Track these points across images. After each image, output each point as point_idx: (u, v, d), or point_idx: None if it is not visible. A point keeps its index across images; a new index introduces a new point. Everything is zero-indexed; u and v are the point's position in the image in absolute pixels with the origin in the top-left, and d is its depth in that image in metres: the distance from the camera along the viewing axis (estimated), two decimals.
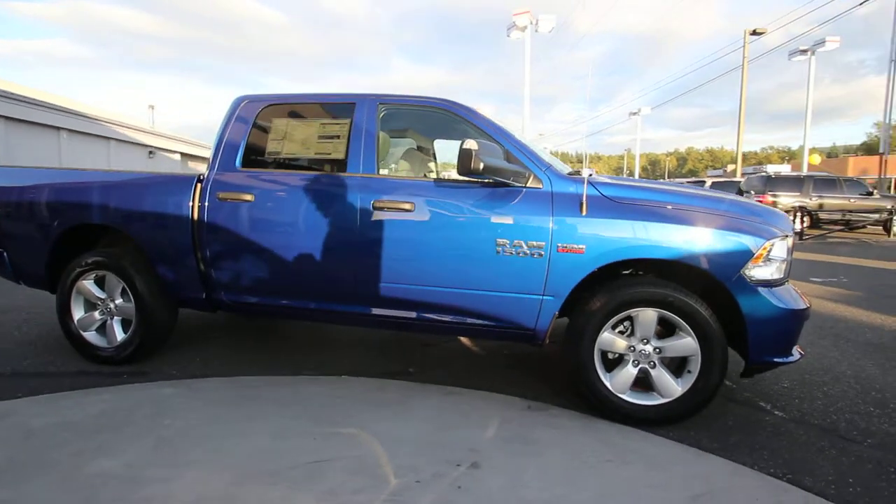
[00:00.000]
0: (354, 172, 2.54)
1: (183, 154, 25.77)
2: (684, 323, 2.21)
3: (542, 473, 1.90)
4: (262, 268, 2.65)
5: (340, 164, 2.60)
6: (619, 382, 2.31)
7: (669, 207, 2.28)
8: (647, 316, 2.25)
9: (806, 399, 2.65)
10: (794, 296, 2.31)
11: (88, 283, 2.91)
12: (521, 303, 2.37)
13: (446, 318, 2.49)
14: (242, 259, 2.66)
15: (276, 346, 3.51)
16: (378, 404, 2.48)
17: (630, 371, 2.31)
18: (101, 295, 2.92)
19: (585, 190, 2.29)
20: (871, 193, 12.47)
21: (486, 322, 2.45)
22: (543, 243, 2.30)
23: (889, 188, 16.25)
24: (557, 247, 2.28)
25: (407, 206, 2.43)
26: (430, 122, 3.13)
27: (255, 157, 2.74)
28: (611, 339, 2.31)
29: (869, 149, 65.93)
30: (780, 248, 2.27)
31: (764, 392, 2.73)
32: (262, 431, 2.16)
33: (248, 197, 2.61)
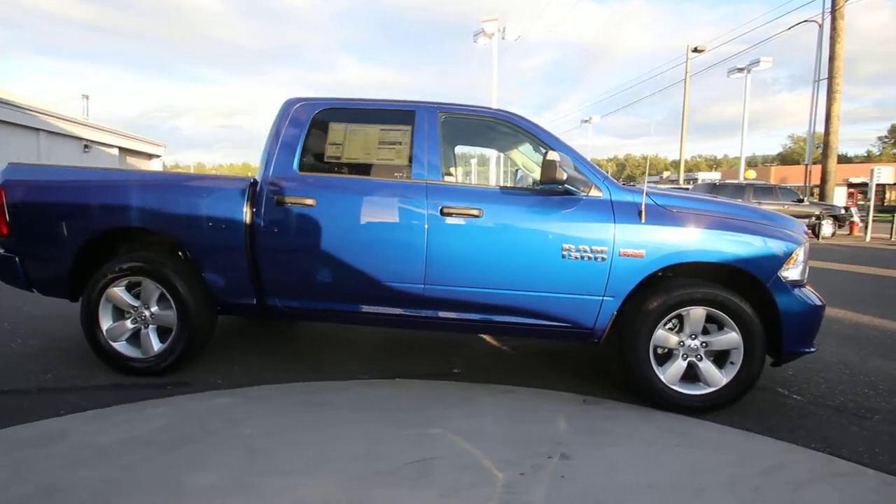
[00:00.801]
0: (419, 179, 2.60)
1: (121, 149, 23.91)
2: (730, 319, 2.47)
3: (628, 460, 2.07)
4: (324, 273, 2.63)
5: (404, 170, 2.65)
6: (670, 375, 2.54)
7: (716, 216, 2.54)
8: (697, 314, 2.49)
9: (812, 384, 3.02)
10: (813, 294, 2.64)
11: (120, 290, 2.75)
12: (584, 303, 2.54)
13: (511, 320, 2.61)
14: (302, 264, 2.64)
15: (306, 350, 3.46)
16: (446, 405, 2.55)
17: (680, 364, 2.54)
18: (134, 302, 2.77)
19: (645, 199, 2.50)
20: (801, 200, 13.96)
21: (549, 322, 2.59)
22: (606, 248, 2.48)
23: (808, 195, 18.18)
24: (619, 251, 2.47)
25: (475, 212, 2.52)
26: (485, 132, 3.22)
27: (311, 160, 2.72)
28: (664, 335, 2.52)
29: (784, 159, 73.07)
30: (804, 253, 2.59)
31: (777, 380, 3.07)
32: (350, 436, 2.17)
33: (310, 201, 2.59)
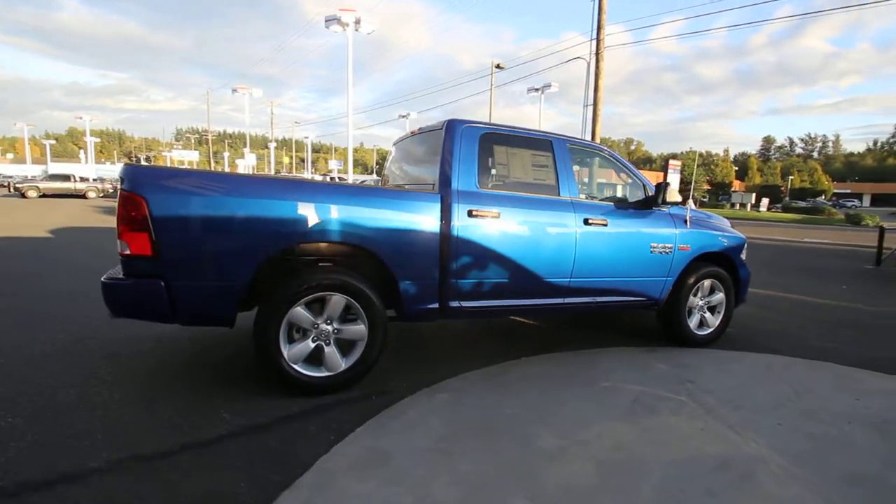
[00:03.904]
0: (566, 196, 3.31)
1: None
2: (721, 285, 4.02)
3: (720, 375, 3.32)
4: (502, 274, 3.09)
5: (552, 189, 3.30)
6: (693, 324, 3.95)
7: (714, 222, 4.05)
8: (707, 284, 3.96)
9: (733, 322, 4.90)
10: (747, 267, 4.43)
11: (303, 309, 2.61)
12: (658, 283, 3.71)
13: (617, 299, 3.59)
14: (487, 268, 3.03)
15: (431, 348, 3.75)
16: (586, 367, 3.38)
17: (697, 317, 3.98)
18: (316, 320, 2.67)
19: (689, 213, 3.81)
20: None
21: (638, 298, 3.68)
22: (672, 245, 3.70)
23: None
24: (679, 247, 3.73)
25: (605, 222, 3.40)
26: (584, 159, 3.98)
27: (486, 177, 3.09)
28: (693, 300, 3.91)
29: None
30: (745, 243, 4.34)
31: None
32: (564, 400, 2.82)
33: (495, 213, 3.01)
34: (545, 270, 3.24)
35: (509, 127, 3.32)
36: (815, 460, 2.27)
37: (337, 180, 21.19)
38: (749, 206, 37.13)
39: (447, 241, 2.91)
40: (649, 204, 3.62)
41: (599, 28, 19.64)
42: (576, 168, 4.03)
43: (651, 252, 3.62)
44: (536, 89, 22.85)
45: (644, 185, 3.72)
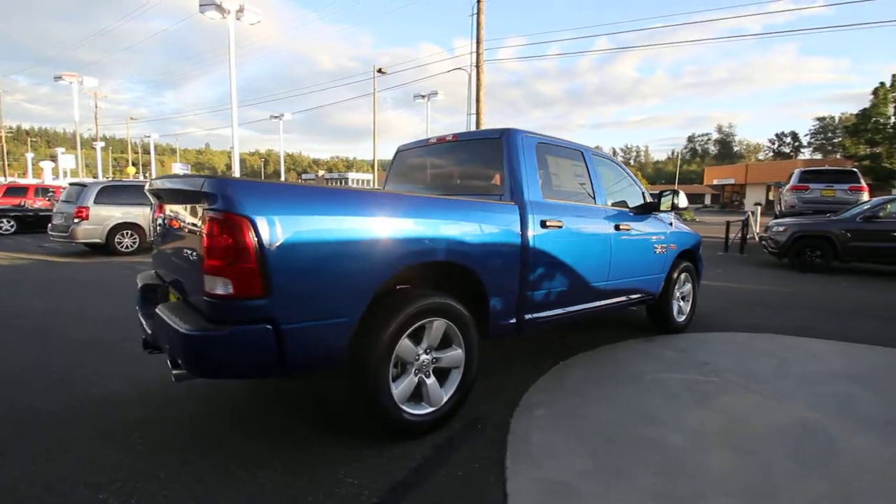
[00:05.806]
0: (600, 204, 3.51)
1: None
2: (691, 277, 4.66)
3: (718, 355, 3.87)
4: (565, 283, 3.14)
5: (590, 198, 3.46)
6: (676, 313, 4.51)
7: (682, 224, 4.67)
8: (682, 277, 4.56)
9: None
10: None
11: (408, 340, 2.33)
12: (657, 279, 4.16)
13: (633, 297, 3.92)
14: (555, 278, 3.05)
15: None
16: (619, 365, 3.63)
17: (676, 306, 4.56)
18: (417, 350, 2.41)
19: (672, 217, 4.33)
20: None
21: (644, 295, 4.06)
22: (666, 245, 4.18)
23: None
24: (670, 246, 4.23)
25: (629, 227, 3.69)
26: (601, 167, 4.12)
27: (546, 187, 3.10)
28: (676, 292, 4.47)
29: None
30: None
31: None
32: (639, 393, 3.03)
33: (560, 223, 3.05)
34: (592, 275, 3.39)
35: (552, 137, 3.39)
36: (848, 413, 2.80)
37: None
38: None
39: (525, 253, 2.86)
40: (650, 209, 4.04)
41: (479, 42, 20.83)
42: None
43: (654, 252, 4.04)
44: (423, 96, 23.33)
45: (642, 192, 4.14)
